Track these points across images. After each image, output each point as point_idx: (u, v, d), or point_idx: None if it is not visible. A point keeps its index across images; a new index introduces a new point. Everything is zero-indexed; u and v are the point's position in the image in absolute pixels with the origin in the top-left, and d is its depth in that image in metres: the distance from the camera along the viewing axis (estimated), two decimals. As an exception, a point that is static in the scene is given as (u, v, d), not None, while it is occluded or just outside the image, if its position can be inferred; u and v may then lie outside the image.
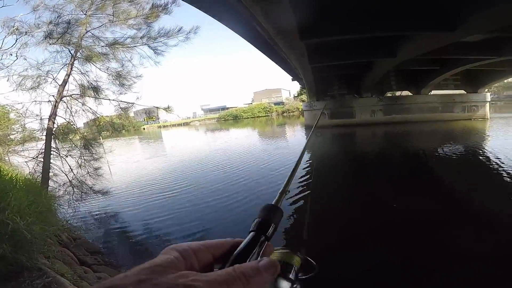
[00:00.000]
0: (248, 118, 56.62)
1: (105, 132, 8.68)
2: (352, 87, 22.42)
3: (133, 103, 7.43)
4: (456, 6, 7.76)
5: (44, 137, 6.42)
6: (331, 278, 2.89)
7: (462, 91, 22.35)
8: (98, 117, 7.37)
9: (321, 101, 23.63)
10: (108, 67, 7.17)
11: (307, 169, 9.38)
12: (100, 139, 8.02)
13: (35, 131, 6.86)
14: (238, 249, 0.36)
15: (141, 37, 7.25)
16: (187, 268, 0.31)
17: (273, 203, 0.48)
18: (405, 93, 24.51)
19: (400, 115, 21.78)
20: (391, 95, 25.25)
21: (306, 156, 11.54)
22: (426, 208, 5.20)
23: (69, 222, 5.06)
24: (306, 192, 6.74)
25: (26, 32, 5.74)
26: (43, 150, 6.26)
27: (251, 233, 0.39)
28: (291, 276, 0.38)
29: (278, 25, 8.11)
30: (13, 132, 7.72)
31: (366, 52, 12.99)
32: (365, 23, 8.88)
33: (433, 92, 23.16)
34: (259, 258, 0.36)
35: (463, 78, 21.48)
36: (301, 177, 8.14)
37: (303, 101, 49.46)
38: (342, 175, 8.94)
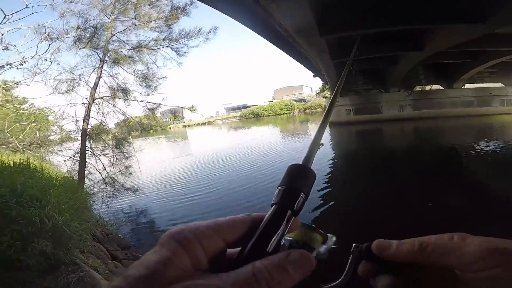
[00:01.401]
0: (269, 116, 56.53)
1: (135, 132, 9.08)
2: (378, 82, 21.56)
3: (159, 104, 7.72)
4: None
5: (79, 138, 6.87)
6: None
7: (500, 84, 20.73)
8: (127, 117, 7.75)
9: (345, 97, 22.97)
10: (135, 69, 7.53)
11: (331, 169, 9.16)
12: (130, 138, 8.44)
13: (71, 132, 7.39)
14: (258, 231, 0.28)
15: (163, 39, 7.52)
16: (193, 262, 0.24)
17: (301, 163, 0.36)
18: (436, 87, 23.12)
19: (431, 110, 20.56)
20: (420, 89, 23.93)
21: (329, 154, 11.31)
22: (462, 208, 4.88)
23: (102, 218, 5.39)
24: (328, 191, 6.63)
25: (57, 38, 6.14)
26: (79, 150, 6.70)
27: (274, 207, 0.30)
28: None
29: (296, 22, 8.01)
30: (52, 133, 8.39)
31: (391, 46, 12.44)
32: (389, 17, 8.46)
33: (467, 85, 21.65)
34: (286, 251, 0.26)
35: (500, 71, 19.93)
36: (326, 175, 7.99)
37: (325, 97, 48.39)
38: (370, 173, 8.66)
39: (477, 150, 10.00)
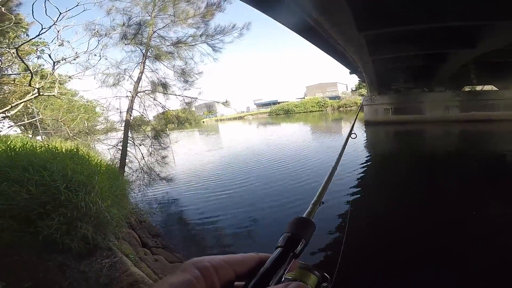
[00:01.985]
0: (300, 112, 55.45)
1: (171, 124, 9.49)
2: (421, 80, 19.96)
3: (196, 98, 7.98)
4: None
5: (122, 128, 7.36)
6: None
7: None
8: (166, 110, 8.13)
9: (383, 95, 21.70)
10: (174, 65, 7.84)
11: (362, 174, 8.74)
12: (167, 130, 8.87)
13: (115, 123, 7.98)
14: (264, 267, 0.33)
15: (200, 35, 7.70)
16: (208, 287, 0.30)
17: (304, 215, 0.44)
18: (488, 87, 20.78)
19: (482, 112, 18.55)
20: (470, 89, 21.69)
21: (362, 154, 10.80)
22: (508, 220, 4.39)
23: (138, 205, 5.75)
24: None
25: (105, 34, 6.60)
26: (122, 139, 7.19)
27: (279, 249, 0.36)
28: None
29: (333, 17, 7.66)
30: (98, 124, 9.15)
31: (438, 43, 11.41)
32: (434, 11, 7.69)
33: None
34: (285, 282, 0.32)
35: None
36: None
37: (362, 95, 46.17)
38: (408, 177, 8.14)
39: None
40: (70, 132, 6.86)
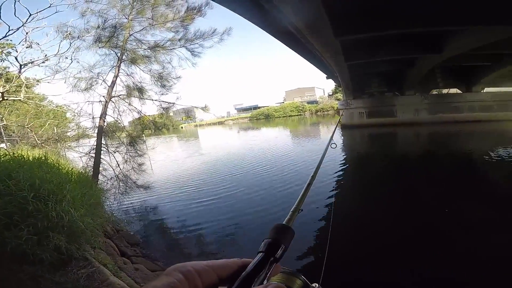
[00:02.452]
0: (280, 117, 56.29)
1: (148, 130, 9.21)
2: (393, 84, 21.11)
3: (173, 103, 7.81)
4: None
5: (95, 135, 7.03)
6: None
7: (522, 88, 19.79)
8: (142, 116, 7.88)
9: (358, 99, 22.62)
10: (151, 69, 7.63)
11: (340, 172, 9.02)
12: (143, 136, 8.58)
13: (88, 129, 7.59)
14: (245, 271, 0.35)
15: (179, 39, 7.59)
16: None
17: (284, 222, 0.46)
18: (453, 90, 22.42)
19: (448, 114, 19.94)
20: (437, 92, 23.23)
21: (340, 157, 11.13)
22: (477, 216, 4.73)
23: (114, 214, 5.49)
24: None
25: (78, 37, 6.31)
26: (95, 146, 6.86)
27: (260, 254, 0.38)
28: None
29: (310, 23, 7.92)
30: (69, 130, 8.66)
31: (408, 48, 12.15)
32: (405, 18, 8.25)
33: (487, 89, 20.88)
34: (265, 282, 0.34)
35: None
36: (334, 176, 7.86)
37: (338, 99, 47.71)
38: (382, 177, 8.47)
39: (495, 157, 9.60)
40: (38, 139, 6.42)
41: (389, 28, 8.64)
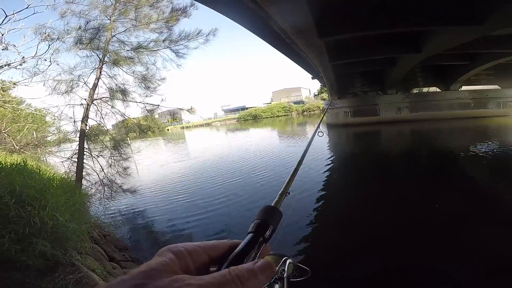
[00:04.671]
0: (267, 117, 56.53)
1: (132, 133, 8.98)
2: (376, 84, 21.72)
3: (158, 105, 7.65)
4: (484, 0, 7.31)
5: (77, 139, 6.80)
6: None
7: (496, 86, 20.98)
8: (126, 119, 7.69)
9: (343, 99, 23.09)
10: (134, 70, 7.46)
11: (328, 172, 9.18)
12: (128, 140, 8.38)
13: (69, 133, 7.32)
14: (236, 250, 0.36)
15: (163, 41, 7.47)
16: (182, 269, 0.32)
17: (272, 204, 0.48)
18: (433, 89, 23.34)
19: (428, 112, 20.74)
20: (417, 91, 24.12)
21: (328, 155, 11.33)
22: (459, 210, 4.94)
23: (100, 219, 5.34)
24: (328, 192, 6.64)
25: (57, 38, 6.07)
26: (77, 151, 6.64)
27: (249, 235, 0.39)
28: (285, 280, 0.38)
29: (296, 24, 8.05)
30: (50, 134, 8.33)
31: (389, 48, 12.56)
32: (386, 18, 8.57)
33: (464, 87, 21.89)
34: (255, 260, 0.35)
35: (497, 73, 20.21)
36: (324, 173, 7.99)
37: (324, 99, 48.58)
38: (367, 174, 8.68)
39: (473, 152, 10.09)
40: (16, 145, 6.14)
41: (370, 28, 8.92)
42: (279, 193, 0.53)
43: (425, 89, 24.67)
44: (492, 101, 20.21)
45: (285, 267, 0.39)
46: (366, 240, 4.26)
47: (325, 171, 8.86)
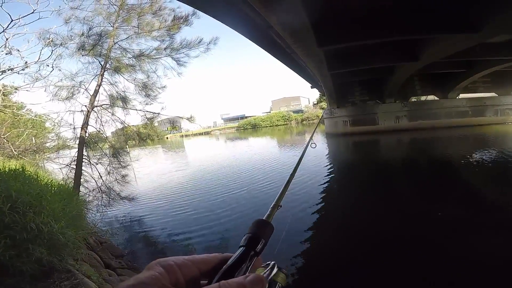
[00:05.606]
0: (266, 126, 56.72)
1: (132, 141, 8.93)
2: (374, 93, 21.90)
3: (158, 113, 7.65)
4: (479, 8, 7.47)
5: (76, 145, 6.76)
6: None
7: (493, 94, 21.21)
8: (125, 126, 7.68)
9: (342, 108, 23.22)
10: (135, 78, 7.51)
11: (326, 183, 9.13)
12: (127, 147, 8.34)
13: (68, 140, 7.29)
14: (227, 264, 0.36)
15: (165, 49, 7.53)
16: (172, 283, 0.31)
17: (264, 218, 0.47)
18: (431, 97, 23.56)
19: (427, 120, 20.83)
20: (415, 100, 24.29)
21: (326, 163, 11.30)
22: (458, 217, 4.91)
23: (97, 226, 5.26)
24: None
25: (60, 44, 6.10)
26: (76, 158, 6.60)
27: (241, 248, 0.39)
28: None
29: (295, 33, 8.17)
30: (49, 140, 8.29)
31: (387, 57, 12.76)
32: (384, 28, 8.74)
33: (462, 95, 22.08)
34: (246, 274, 0.35)
35: (494, 80, 20.48)
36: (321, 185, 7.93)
37: (323, 108, 48.90)
38: (367, 184, 8.63)
39: (472, 160, 10.08)
40: (15, 150, 6.09)
41: (368, 37, 9.08)
42: (271, 206, 0.53)
43: (423, 98, 24.86)
44: (490, 109, 20.38)
45: (277, 278, 0.39)
46: (367, 250, 4.23)
47: (324, 183, 8.77)
